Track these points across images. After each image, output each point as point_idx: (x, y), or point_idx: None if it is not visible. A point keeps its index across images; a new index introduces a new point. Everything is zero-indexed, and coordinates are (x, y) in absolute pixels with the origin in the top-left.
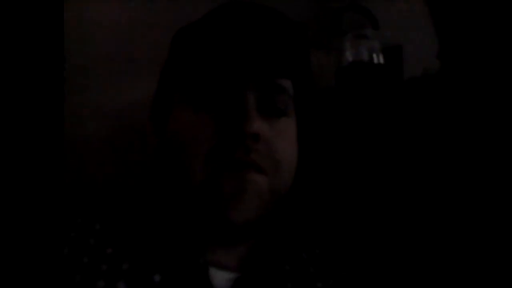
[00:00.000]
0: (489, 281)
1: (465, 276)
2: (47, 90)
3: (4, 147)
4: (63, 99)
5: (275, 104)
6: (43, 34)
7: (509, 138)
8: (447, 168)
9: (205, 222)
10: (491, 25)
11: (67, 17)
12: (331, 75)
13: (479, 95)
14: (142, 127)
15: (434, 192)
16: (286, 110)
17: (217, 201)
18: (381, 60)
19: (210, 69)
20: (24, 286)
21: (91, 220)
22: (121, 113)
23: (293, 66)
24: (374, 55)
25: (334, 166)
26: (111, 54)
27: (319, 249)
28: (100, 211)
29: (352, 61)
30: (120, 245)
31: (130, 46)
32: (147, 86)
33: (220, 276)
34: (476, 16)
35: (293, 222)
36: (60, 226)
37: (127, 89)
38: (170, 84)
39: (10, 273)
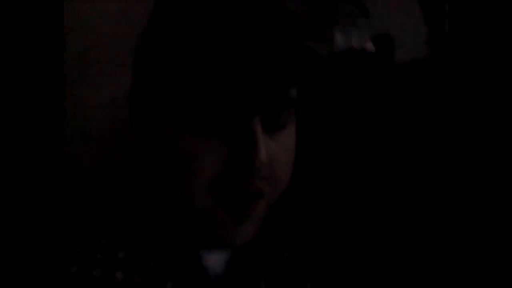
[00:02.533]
0: (489, 281)
1: (465, 276)
2: (48, 83)
3: (3, 141)
4: (63, 91)
5: (280, 118)
6: (44, 27)
7: (499, 121)
8: (441, 153)
9: (199, 239)
10: (480, 11)
11: (66, 10)
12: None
13: (469, 80)
14: None
15: (428, 177)
16: (289, 119)
17: (216, 230)
18: (371, 48)
19: (214, 89)
20: (19, 277)
21: (85, 214)
22: (120, 104)
23: (301, 69)
24: (365, 44)
25: (326, 155)
26: (110, 47)
27: (315, 241)
28: (95, 204)
29: (343, 50)
30: (114, 235)
31: (130, 38)
32: None
33: (213, 258)
34: (465, 2)
35: (289, 205)
36: (55, 220)
37: (127, 81)
38: (157, 95)
39: (5, 264)
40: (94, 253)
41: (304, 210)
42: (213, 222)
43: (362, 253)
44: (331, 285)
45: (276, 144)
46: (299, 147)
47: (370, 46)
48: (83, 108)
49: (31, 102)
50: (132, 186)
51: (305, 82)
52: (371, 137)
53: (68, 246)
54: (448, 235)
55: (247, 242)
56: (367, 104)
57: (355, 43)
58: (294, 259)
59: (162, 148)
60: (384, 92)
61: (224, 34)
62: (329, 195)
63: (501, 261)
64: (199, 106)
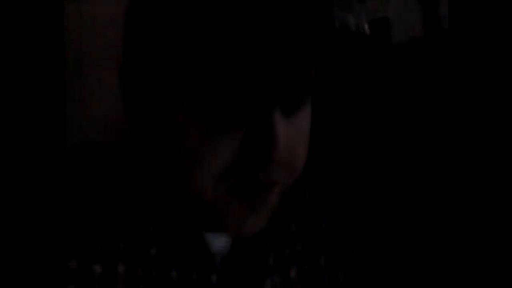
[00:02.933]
0: (489, 281)
1: (465, 275)
2: (48, 84)
3: (4, 141)
4: (64, 92)
5: (299, 101)
6: (43, 29)
7: (496, 101)
8: (438, 132)
9: (207, 228)
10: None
11: (65, 12)
12: None
13: (465, 60)
14: None
15: (424, 156)
16: (307, 102)
17: (225, 220)
18: (368, 31)
19: (229, 73)
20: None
21: (80, 203)
22: (119, 104)
23: (321, 46)
24: (361, 27)
25: (323, 139)
26: (108, 47)
27: (316, 195)
28: (89, 193)
29: (339, 31)
30: (112, 223)
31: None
32: None
33: (218, 239)
34: None
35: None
36: (51, 213)
37: None
38: (158, 79)
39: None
40: (94, 245)
41: (311, 180)
42: (223, 212)
43: (373, 220)
44: (346, 256)
45: (293, 129)
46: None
47: (366, 28)
48: (83, 106)
49: (32, 102)
50: (130, 172)
51: (323, 59)
52: (368, 119)
53: (66, 238)
54: (447, 230)
55: (256, 233)
56: (364, 87)
57: (352, 26)
58: (304, 232)
59: (165, 137)
60: (380, 73)
61: (240, 12)
62: (334, 164)
63: (501, 261)
64: (211, 93)
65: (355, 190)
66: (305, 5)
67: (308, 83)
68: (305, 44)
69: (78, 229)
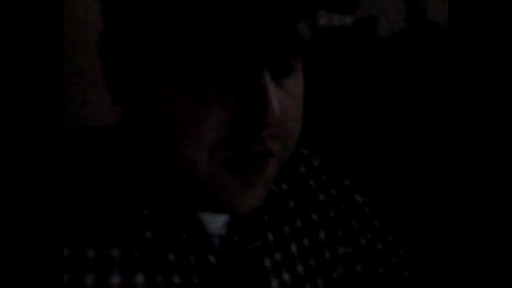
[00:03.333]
0: (489, 281)
1: (465, 276)
2: (46, 90)
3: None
4: (62, 96)
5: (289, 63)
6: (42, 37)
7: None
8: (424, 123)
9: (196, 199)
10: None
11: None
12: None
13: (450, 50)
14: None
15: (415, 148)
16: (298, 66)
17: (222, 195)
18: (350, 24)
19: (215, 30)
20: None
21: (71, 186)
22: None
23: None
24: (344, 21)
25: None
26: None
27: (326, 175)
28: (80, 174)
29: (324, 26)
30: (105, 207)
31: None
32: None
33: (214, 219)
34: None
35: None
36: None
37: None
38: (140, 39)
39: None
40: (86, 231)
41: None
42: (219, 188)
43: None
44: (345, 230)
45: (285, 94)
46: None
47: (348, 22)
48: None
49: (30, 106)
50: (122, 155)
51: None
52: (357, 110)
53: (58, 227)
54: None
55: (254, 208)
56: (351, 78)
57: (337, 21)
58: (302, 207)
59: (151, 106)
60: (366, 65)
61: None
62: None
63: (501, 261)
64: (196, 53)
65: (351, 166)
66: None
67: (297, 44)
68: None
69: (70, 216)
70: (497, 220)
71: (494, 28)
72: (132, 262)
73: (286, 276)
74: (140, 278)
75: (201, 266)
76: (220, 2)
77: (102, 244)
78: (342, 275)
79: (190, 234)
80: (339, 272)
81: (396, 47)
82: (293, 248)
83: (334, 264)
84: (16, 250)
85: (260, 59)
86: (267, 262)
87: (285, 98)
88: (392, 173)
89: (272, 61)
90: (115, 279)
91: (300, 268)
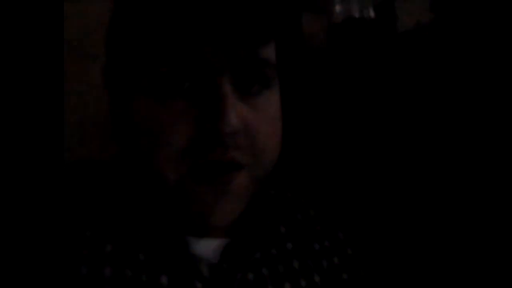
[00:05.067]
0: (489, 281)
1: (465, 275)
2: (47, 85)
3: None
4: (63, 93)
5: (255, 80)
6: (44, 30)
7: (501, 86)
8: (445, 121)
9: (183, 222)
10: None
11: (66, 14)
12: (323, 36)
13: (473, 47)
14: None
15: (432, 145)
16: (268, 83)
17: (194, 207)
18: (372, 15)
19: (173, 41)
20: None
21: (67, 206)
22: None
23: (277, 24)
24: (365, 11)
25: (329, 126)
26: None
27: (314, 209)
28: (78, 195)
29: (343, 19)
30: (99, 227)
31: None
32: None
33: (204, 245)
34: None
35: (284, 183)
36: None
37: None
38: (122, 59)
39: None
40: (80, 249)
41: (299, 178)
42: (188, 198)
43: (364, 220)
44: (339, 277)
45: (253, 111)
46: (293, 118)
47: (370, 13)
48: (82, 102)
49: (30, 105)
50: (118, 175)
51: (282, 43)
52: (372, 108)
53: (53, 242)
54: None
55: (229, 222)
56: (369, 73)
57: (356, 12)
58: (300, 250)
59: (130, 119)
60: (387, 60)
61: None
62: (325, 163)
63: (501, 261)
64: (163, 67)
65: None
66: None
67: (260, 62)
68: (249, 23)
69: (66, 235)
70: (493, 230)
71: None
72: (123, 280)
73: None
74: None
75: None
76: (185, 22)
77: (95, 262)
78: None
79: (181, 260)
80: None
81: (420, 45)
82: (287, 286)
83: None
84: (13, 261)
85: (221, 73)
86: None
87: (253, 114)
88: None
89: (236, 78)
90: None
91: None
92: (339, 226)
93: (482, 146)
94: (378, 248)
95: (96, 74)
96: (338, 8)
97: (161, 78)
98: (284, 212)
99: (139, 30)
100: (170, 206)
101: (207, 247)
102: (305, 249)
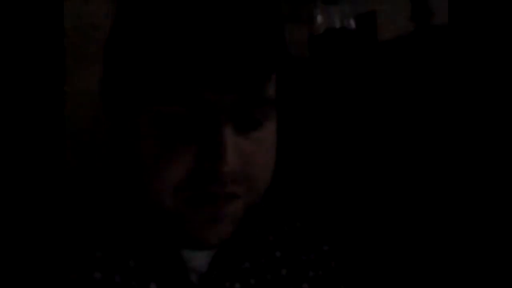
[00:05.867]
0: (489, 281)
1: (464, 276)
2: (48, 87)
3: (4, 145)
4: (63, 93)
5: (255, 118)
6: (44, 32)
7: (485, 95)
8: (426, 131)
9: (177, 240)
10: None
11: (66, 15)
12: (304, 46)
13: (454, 56)
14: None
15: (414, 158)
16: (267, 117)
17: (189, 229)
18: (353, 26)
19: (177, 86)
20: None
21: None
22: None
23: (276, 60)
24: (346, 22)
25: (314, 138)
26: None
27: (300, 222)
28: (71, 203)
29: (324, 29)
30: (91, 235)
31: None
32: None
33: (196, 256)
34: None
35: (272, 196)
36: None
37: None
38: (123, 92)
39: None
40: (70, 254)
41: (289, 192)
42: (185, 223)
43: (351, 237)
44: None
45: (252, 144)
46: (281, 141)
47: (351, 24)
48: (83, 101)
49: (31, 107)
50: (109, 182)
51: (280, 78)
52: (353, 118)
53: (45, 248)
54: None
55: (224, 241)
56: (351, 83)
57: (337, 22)
58: (289, 259)
59: (128, 146)
60: (368, 70)
61: (190, 32)
62: (314, 180)
63: (501, 261)
64: (164, 108)
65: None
66: (256, 31)
67: (261, 101)
68: (253, 68)
69: (58, 239)
70: (491, 238)
71: (499, 31)
72: (113, 286)
73: None
74: None
75: None
76: (189, 67)
77: (85, 267)
78: None
79: (172, 268)
80: None
81: (401, 53)
82: None
83: None
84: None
85: (222, 115)
86: None
87: (251, 147)
88: (397, 177)
89: (236, 116)
90: None
91: None
92: (324, 239)
93: (462, 160)
94: (362, 262)
95: (96, 74)
96: (319, 18)
97: (162, 116)
98: (272, 222)
99: (142, 69)
100: (165, 225)
101: (197, 256)
102: (293, 258)
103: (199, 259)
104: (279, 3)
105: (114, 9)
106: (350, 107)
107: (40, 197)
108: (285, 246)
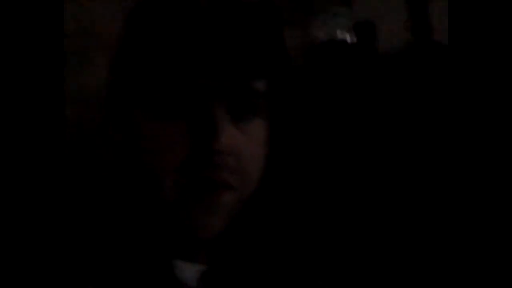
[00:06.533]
0: (489, 281)
1: (464, 276)
2: (48, 87)
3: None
4: (63, 93)
5: (247, 107)
6: (43, 29)
7: (485, 108)
8: (422, 142)
9: (171, 235)
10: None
11: (66, 16)
12: (299, 54)
13: (452, 68)
14: None
15: (411, 168)
16: (258, 112)
17: (186, 220)
18: (354, 38)
19: (174, 72)
20: None
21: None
22: None
23: (269, 63)
24: (346, 33)
25: (307, 150)
26: (108, 48)
27: (294, 253)
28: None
29: (324, 40)
30: (80, 248)
31: None
32: None
33: (188, 269)
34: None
35: (264, 210)
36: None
37: None
38: (125, 81)
39: None
40: (62, 268)
41: (280, 206)
42: (181, 212)
43: (345, 250)
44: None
45: (243, 135)
46: (275, 143)
47: (350, 36)
48: (83, 95)
49: (31, 104)
50: (108, 183)
51: (273, 77)
52: (353, 130)
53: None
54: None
55: (214, 235)
56: (347, 94)
57: (336, 33)
58: (272, 263)
59: (131, 134)
60: (366, 82)
61: (185, 22)
62: (306, 193)
63: (501, 261)
64: (165, 92)
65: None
66: (252, 30)
67: (252, 93)
68: (242, 60)
69: (53, 257)
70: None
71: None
72: None
73: None
74: None
75: None
76: (188, 58)
77: (78, 281)
78: None
79: (162, 281)
80: None
81: (399, 66)
82: None
83: None
84: None
85: (217, 101)
86: None
87: (242, 138)
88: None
89: (229, 104)
90: None
91: None
92: (319, 273)
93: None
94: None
95: (96, 73)
96: (319, 28)
97: (162, 101)
98: (262, 237)
99: (145, 61)
100: (162, 219)
101: (189, 272)
102: (283, 274)
103: (191, 275)
104: (279, 10)
105: (114, 11)
106: (346, 116)
107: (39, 197)
108: (276, 267)
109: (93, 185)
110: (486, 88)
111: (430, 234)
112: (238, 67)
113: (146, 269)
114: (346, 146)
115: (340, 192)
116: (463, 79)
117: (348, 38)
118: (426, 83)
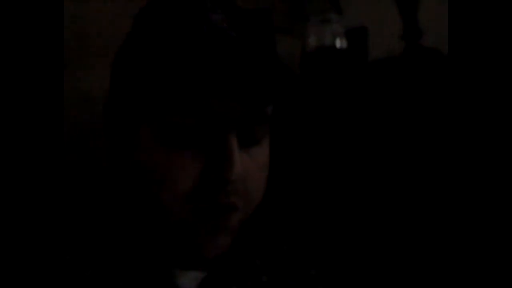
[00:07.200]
0: (489, 281)
1: (464, 276)
2: (47, 88)
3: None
4: (62, 93)
5: (255, 134)
6: (43, 30)
7: (473, 115)
8: (416, 149)
9: (174, 251)
10: (457, 3)
11: (65, 16)
12: (295, 62)
13: (444, 75)
14: None
15: (403, 175)
16: (264, 136)
17: (192, 240)
18: (345, 44)
19: (189, 102)
20: None
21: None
22: None
23: (282, 88)
24: (338, 40)
25: (303, 157)
26: (108, 48)
27: (287, 245)
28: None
29: (316, 46)
30: (81, 251)
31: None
32: None
33: (187, 277)
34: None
35: (262, 218)
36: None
37: None
38: (133, 103)
39: None
40: (59, 273)
41: (276, 216)
42: (189, 234)
43: (338, 261)
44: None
45: (250, 160)
46: (272, 160)
47: (342, 43)
48: (83, 95)
49: (31, 104)
50: (108, 191)
51: (280, 100)
52: (348, 135)
53: (30, 265)
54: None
55: (219, 254)
56: (341, 102)
57: (328, 40)
58: (274, 283)
59: (135, 158)
60: (358, 89)
61: (201, 48)
62: (303, 202)
63: (501, 261)
64: (173, 118)
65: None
66: (268, 55)
67: (263, 119)
68: (258, 87)
69: (44, 257)
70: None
71: (497, 55)
72: None
73: None
74: None
75: None
76: (204, 84)
77: (74, 285)
78: None
79: (161, 285)
80: None
81: (391, 74)
82: None
83: None
84: None
85: (229, 127)
86: None
87: (249, 162)
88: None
89: (240, 131)
90: None
91: None
92: (312, 263)
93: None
94: (350, 285)
95: (96, 74)
96: (311, 34)
97: (173, 127)
98: (259, 246)
99: (155, 80)
100: (167, 236)
101: (188, 279)
102: (280, 282)
103: (189, 282)
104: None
105: (115, 12)
106: (339, 125)
107: (38, 198)
108: (272, 270)
109: (90, 188)
110: (479, 93)
111: (430, 234)
112: (256, 94)
113: (146, 277)
114: (341, 152)
115: (333, 200)
116: (457, 84)
117: (339, 44)
118: (417, 88)
